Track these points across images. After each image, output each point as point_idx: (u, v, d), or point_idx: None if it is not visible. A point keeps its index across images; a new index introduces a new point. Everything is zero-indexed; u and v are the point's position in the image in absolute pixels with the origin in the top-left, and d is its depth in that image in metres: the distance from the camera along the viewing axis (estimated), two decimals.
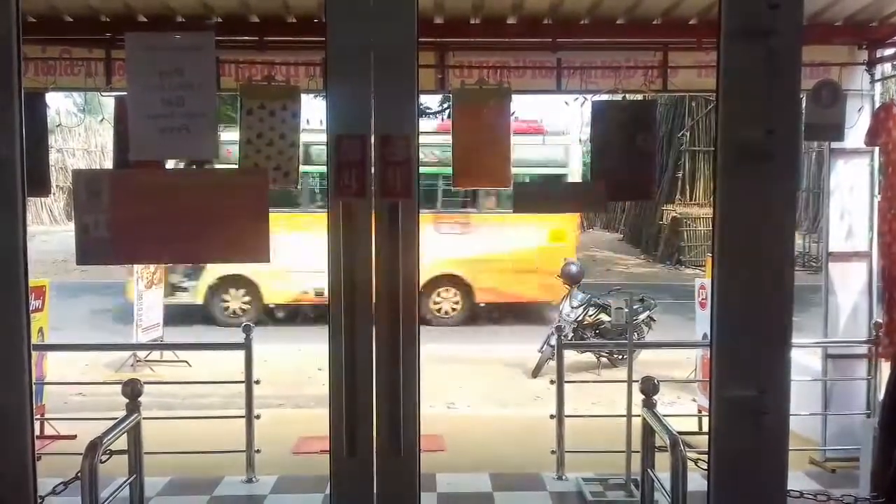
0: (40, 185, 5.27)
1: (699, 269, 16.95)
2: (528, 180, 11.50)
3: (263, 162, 5.06)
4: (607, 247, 24.87)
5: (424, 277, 12.34)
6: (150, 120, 2.62)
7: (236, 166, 5.29)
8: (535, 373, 9.29)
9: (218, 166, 6.28)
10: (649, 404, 4.13)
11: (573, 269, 10.75)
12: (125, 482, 3.85)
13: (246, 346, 5.46)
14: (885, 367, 5.35)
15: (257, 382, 5.49)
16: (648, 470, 4.08)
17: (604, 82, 5.64)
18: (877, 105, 5.54)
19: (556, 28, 5.36)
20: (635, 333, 9.25)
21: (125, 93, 4.47)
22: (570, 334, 9.67)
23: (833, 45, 5.48)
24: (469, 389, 8.73)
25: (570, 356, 9.16)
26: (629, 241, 25.36)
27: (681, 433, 3.68)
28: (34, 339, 5.83)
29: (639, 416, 4.21)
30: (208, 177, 3.51)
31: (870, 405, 5.63)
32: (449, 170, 5.33)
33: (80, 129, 27.29)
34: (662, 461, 3.74)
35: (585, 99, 5.58)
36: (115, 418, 3.78)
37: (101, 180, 2.62)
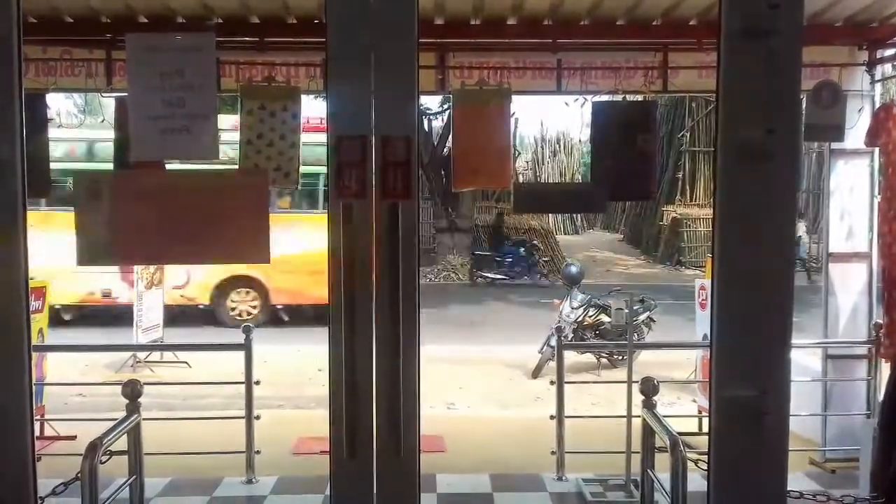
0: (41, 187, 5.27)
1: (699, 270, 16.95)
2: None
3: (263, 162, 5.06)
4: (607, 247, 24.91)
5: (217, 278, 12.35)
6: (151, 121, 2.62)
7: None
8: (536, 373, 9.29)
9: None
10: (649, 405, 4.13)
11: (573, 269, 10.76)
12: (125, 483, 3.85)
13: (246, 347, 5.46)
14: (885, 368, 5.35)
15: (257, 383, 5.50)
16: (648, 470, 4.07)
17: (604, 83, 5.64)
18: (877, 106, 5.54)
19: (556, 29, 5.35)
20: (635, 334, 9.24)
21: (126, 94, 4.47)
22: (570, 335, 9.67)
23: (833, 46, 5.47)
24: (469, 390, 8.73)
25: (571, 357, 9.16)
26: (629, 241, 25.40)
27: (681, 434, 3.68)
28: (34, 340, 5.83)
29: (639, 416, 4.21)
30: (208, 178, 3.51)
31: (870, 406, 5.63)
32: None
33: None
34: (662, 462, 3.74)
35: (586, 100, 5.58)
36: (115, 419, 3.78)
37: (102, 181, 2.62)
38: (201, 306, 12.49)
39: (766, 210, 2.28)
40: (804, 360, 6.10)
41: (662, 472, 3.77)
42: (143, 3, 5.01)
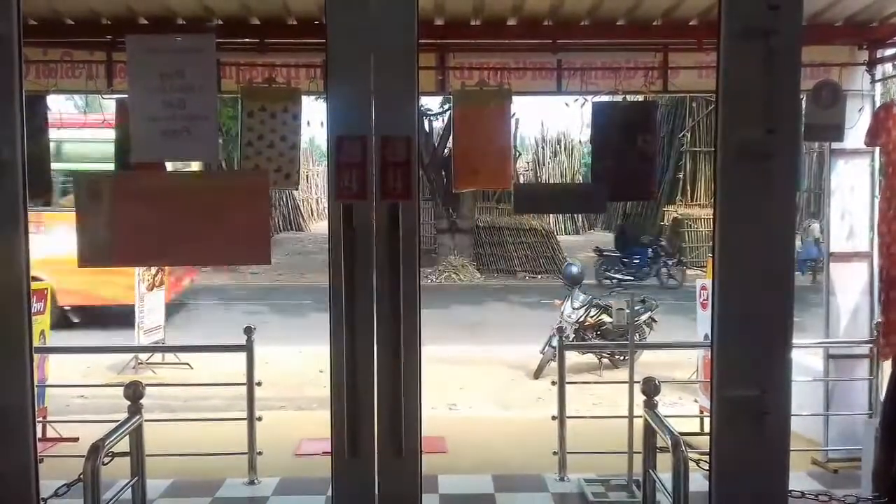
0: (41, 188, 5.27)
1: (700, 270, 16.94)
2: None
3: (264, 164, 5.07)
4: (608, 248, 24.84)
5: None
6: (152, 122, 2.62)
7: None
8: (537, 374, 9.29)
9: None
10: (651, 405, 4.13)
11: (574, 269, 10.75)
12: (127, 484, 3.85)
13: (247, 349, 5.46)
14: (886, 368, 5.34)
15: (259, 384, 5.50)
16: (650, 471, 4.08)
17: (604, 83, 5.64)
18: (877, 105, 5.53)
19: (556, 29, 5.35)
20: (637, 334, 9.23)
21: (126, 95, 4.47)
22: (572, 335, 9.67)
23: (833, 46, 5.47)
24: (470, 391, 8.73)
25: (572, 357, 9.15)
26: None
27: (682, 434, 3.67)
28: (36, 342, 5.83)
29: (640, 416, 4.21)
30: (209, 179, 3.52)
31: (871, 405, 5.63)
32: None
33: None
34: (664, 462, 3.74)
35: (586, 100, 5.58)
36: (117, 421, 3.79)
37: (102, 183, 2.62)
38: None
39: (766, 210, 2.28)
40: (805, 360, 6.10)
41: (664, 472, 3.77)
42: (144, 5, 5.01)
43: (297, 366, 9.42)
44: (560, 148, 29.55)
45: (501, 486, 5.30)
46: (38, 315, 6.32)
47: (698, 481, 3.27)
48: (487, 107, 5.17)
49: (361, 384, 2.30)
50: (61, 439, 5.95)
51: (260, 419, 5.46)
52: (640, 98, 5.96)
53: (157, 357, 9.53)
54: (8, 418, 2.30)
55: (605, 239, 27.24)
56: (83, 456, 3.35)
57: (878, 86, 5.70)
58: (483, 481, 5.38)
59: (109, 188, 2.57)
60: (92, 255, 2.55)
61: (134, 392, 3.93)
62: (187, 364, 9.36)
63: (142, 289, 9.44)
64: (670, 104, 21.67)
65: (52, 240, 11.05)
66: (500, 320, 13.73)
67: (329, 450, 2.34)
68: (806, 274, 16.51)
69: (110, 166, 5.27)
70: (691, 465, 3.49)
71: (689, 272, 17.70)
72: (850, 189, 5.80)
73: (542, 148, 29.51)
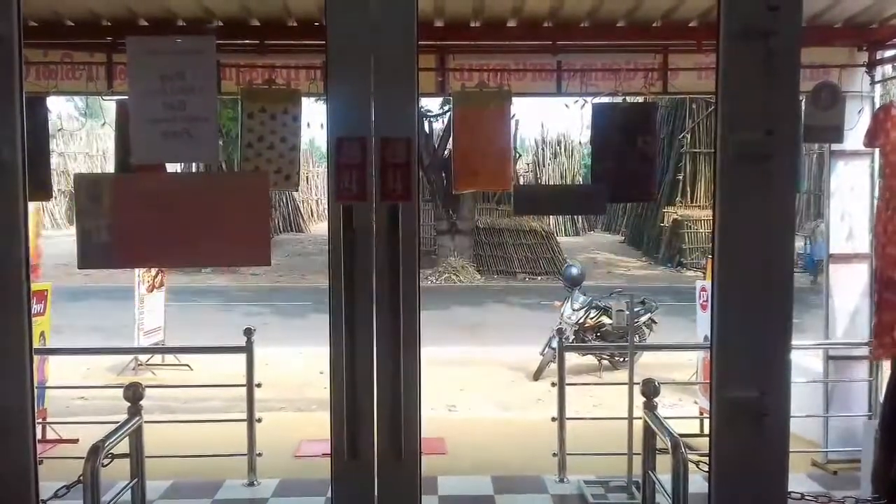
0: (42, 189, 5.27)
1: (700, 271, 16.95)
2: None
3: (264, 165, 5.07)
4: (608, 249, 24.90)
5: None
6: (152, 124, 2.62)
7: None
8: (537, 375, 9.29)
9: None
10: (650, 406, 4.13)
11: (574, 271, 10.75)
12: (127, 486, 3.85)
13: (247, 350, 5.47)
14: (885, 369, 5.34)
15: (258, 386, 5.50)
16: (650, 472, 4.08)
17: (604, 85, 5.65)
18: (877, 107, 5.54)
19: (556, 31, 5.36)
20: (636, 336, 9.23)
21: (126, 96, 4.47)
22: (572, 337, 9.67)
23: (833, 47, 5.48)
24: (470, 392, 8.73)
25: (572, 359, 9.15)
26: (630, 243, 25.38)
27: (682, 435, 3.68)
28: (36, 343, 5.83)
29: (640, 418, 4.21)
30: (209, 180, 3.52)
31: (871, 407, 5.63)
32: None
33: (82, 133, 27.37)
34: (664, 463, 3.74)
35: (586, 101, 5.59)
36: (117, 422, 3.79)
37: (103, 184, 2.62)
38: None
39: (765, 211, 2.28)
40: (805, 362, 6.10)
41: (664, 473, 3.77)
42: (144, 7, 5.02)
43: (297, 367, 9.42)
44: (560, 149, 29.58)
45: (501, 488, 5.31)
46: (38, 316, 6.32)
47: (698, 483, 3.27)
48: (487, 108, 5.18)
49: (361, 385, 2.30)
50: (61, 441, 5.96)
51: (260, 421, 5.46)
52: (640, 99, 5.97)
53: (157, 358, 9.53)
54: (7, 419, 2.30)
55: (606, 240, 27.31)
56: (83, 457, 3.35)
57: (878, 87, 5.70)
58: (482, 483, 5.39)
59: (109, 189, 2.57)
60: (92, 256, 2.55)
61: (134, 393, 3.93)
62: (187, 365, 9.37)
63: (141, 290, 9.43)
64: (670, 105, 21.68)
65: None
66: (500, 322, 13.74)
67: (329, 451, 2.34)
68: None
69: None
70: (691, 466, 3.49)
71: (688, 273, 17.70)
72: (849, 190, 5.81)
73: (542, 149, 29.54)
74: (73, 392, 7.77)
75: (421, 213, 2.44)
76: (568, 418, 5.53)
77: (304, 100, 5.42)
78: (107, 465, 3.47)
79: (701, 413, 6.60)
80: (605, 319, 9.86)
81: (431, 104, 19.00)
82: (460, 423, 7.43)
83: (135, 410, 3.90)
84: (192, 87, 2.60)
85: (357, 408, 2.29)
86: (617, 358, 9.49)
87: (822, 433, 5.85)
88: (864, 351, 5.72)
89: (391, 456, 2.31)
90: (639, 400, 4.34)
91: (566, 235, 27.35)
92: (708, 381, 3.21)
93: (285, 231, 27.02)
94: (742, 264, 2.31)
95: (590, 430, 5.90)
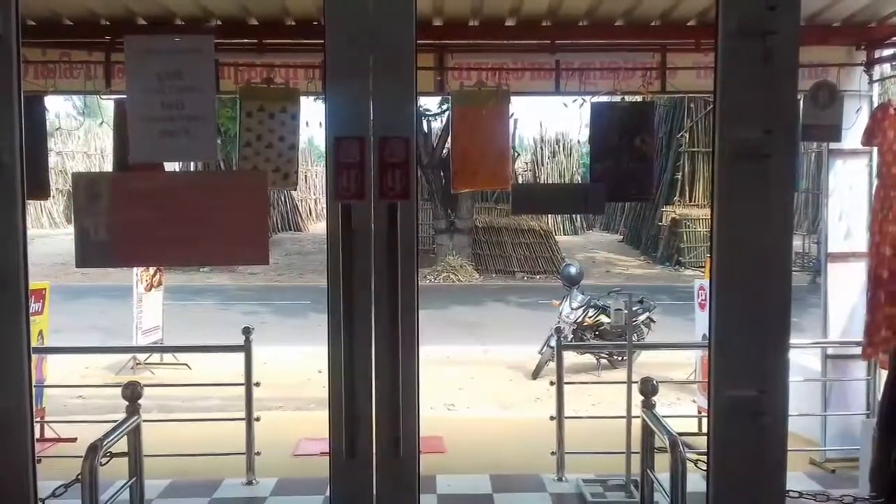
0: (40, 189, 5.28)
1: (699, 271, 16.96)
2: None
3: (262, 164, 5.07)
4: (607, 248, 24.90)
5: None
6: (150, 123, 2.62)
7: None
8: (535, 374, 9.29)
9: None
10: (649, 405, 4.13)
11: (572, 270, 10.76)
12: (125, 484, 3.85)
13: (245, 349, 5.46)
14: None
15: (257, 385, 5.50)
16: (648, 471, 4.08)
17: (602, 84, 5.65)
18: (875, 106, 5.54)
19: (554, 30, 5.36)
20: (635, 335, 9.25)
21: (125, 95, 4.47)
22: (570, 336, 9.68)
23: (831, 46, 5.48)
24: (469, 391, 8.73)
25: (570, 357, 9.17)
26: (628, 242, 25.39)
27: (680, 434, 3.68)
28: (34, 342, 5.83)
29: (638, 417, 4.21)
30: (208, 179, 3.52)
31: (869, 405, 5.64)
32: None
33: (80, 132, 27.35)
34: (662, 462, 3.75)
35: (584, 100, 5.59)
36: (115, 421, 3.79)
37: (101, 183, 2.62)
38: None
39: (764, 210, 2.29)
40: (803, 360, 6.11)
41: (662, 472, 3.78)
42: (142, 6, 5.01)
43: (296, 366, 9.42)
44: (558, 148, 29.56)
45: (499, 487, 5.31)
46: (36, 315, 6.32)
47: (696, 481, 3.28)
48: (486, 107, 5.18)
49: (360, 384, 2.30)
50: (59, 439, 5.95)
51: (258, 419, 5.46)
52: (639, 98, 5.97)
53: (156, 357, 9.53)
54: (6, 418, 2.30)
55: (604, 239, 27.31)
56: (81, 456, 3.35)
57: (876, 86, 5.71)
58: (481, 481, 5.39)
59: (108, 188, 2.57)
60: (90, 255, 2.55)
61: (132, 392, 3.93)
62: (185, 364, 9.37)
63: (140, 289, 9.43)
64: (668, 104, 21.68)
65: None
66: (499, 320, 13.74)
67: (327, 450, 2.34)
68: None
69: None
70: (689, 465, 3.50)
71: (687, 272, 17.71)
72: (847, 189, 5.81)
73: (541, 148, 29.52)
74: (72, 391, 7.77)
75: (419, 212, 2.44)
76: (566, 417, 5.54)
77: (303, 99, 5.42)
78: (105, 463, 3.47)
79: (699, 412, 6.61)
80: (604, 318, 9.87)
81: (430, 103, 19.00)
82: (459, 421, 7.43)
83: (133, 409, 3.90)
84: (190, 86, 2.60)
85: (356, 406, 2.29)
86: (615, 357, 9.50)
87: (821, 432, 5.86)
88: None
89: (390, 454, 2.31)
90: (637, 399, 4.34)
91: (565, 234, 27.34)
92: (706, 379, 3.22)
93: (284, 230, 27.01)
94: (740, 263, 2.31)
95: (588, 428, 5.90)
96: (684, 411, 7.25)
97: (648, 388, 4.19)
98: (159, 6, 4.97)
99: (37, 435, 4.02)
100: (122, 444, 3.77)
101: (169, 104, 2.59)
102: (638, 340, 9.43)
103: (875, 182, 5.31)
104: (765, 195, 2.27)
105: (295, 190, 23.81)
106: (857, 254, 5.72)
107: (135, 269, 9.14)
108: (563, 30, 5.37)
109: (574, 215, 27.78)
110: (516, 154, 23.84)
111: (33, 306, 6.10)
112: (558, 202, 5.84)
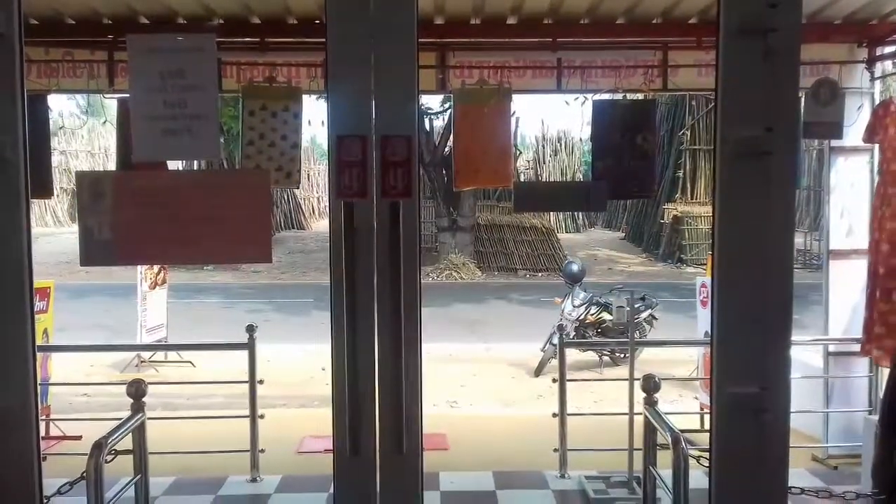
0: (43, 187, 5.29)
1: (701, 268, 16.95)
2: None
3: (265, 163, 5.08)
4: (608, 245, 24.89)
5: None
6: (152, 121, 2.62)
7: None
8: (538, 371, 9.30)
9: None
10: (651, 402, 4.14)
11: (574, 267, 10.76)
12: (130, 482, 3.86)
13: (249, 347, 5.48)
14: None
15: (261, 382, 5.51)
16: (650, 467, 4.09)
17: (604, 82, 5.65)
18: (876, 103, 5.54)
19: (556, 28, 5.36)
20: (637, 332, 9.24)
21: (128, 94, 4.48)
22: (572, 333, 9.68)
23: (833, 44, 5.48)
24: (471, 388, 8.74)
25: (573, 355, 9.17)
26: (630, 239, 25.37)
27: (682, 431, 3.68)
28: (39, 341, 5.84)
29: (641, 414, 4.22)
30: (210, 178, 3.53)
31: (871, 402, 5.64)
32: None
33: (84, 131, 27.37)
34: (664, 459, 3.75)
35: (586, 98, 5.59)
36: (120, 419, 3.80)
37: (105, 182, 2.63)
38: None
39: (765, 207, 2.29)
40: (805, 357, 6.11)
41: (664, 468, 3.78)
42: (145, 5, 5.02)
43: (299, 364, 9.44)
44: (560, 146, 29.52)
45: (502, 483, 5.32)
46: (41, 314, 6.33)
47: (698, 478, 3.28)
48: (488, 105, 5.19)
49: (363, 382, 2.31)
50: (64, 437, 5.97)
51: (262, 417, 5.48)
52: (640, 96, 5.97)
53: (160, 355, 9.55)
54: (11, 416, 2.31)
55: (606, 237, 27.29)
56: (86, 454, 3.36)
57: (878, 83, 5.70)
58: (484, 478, 5.40)
59: (111, 187, 2.58)
60: (94, 254, 2.56)
61: (136, 390, 3.94)
62: (190, 362, 9.39)
63: (144, 287, 9.45)
64: (670, 102, 21.66)
65: None
66: (501, 318, 13.76)
67: (331, 447, 2.35)
68: None
69: None
70: (691, 461, 3.50)
71: (689, 269, 17.70)
72: (849, 186, 5.81)
73: (543, 146, 29.48)
74: (76, 389, 7.80)
75: (422, 211, 2.45)
76: (569, 414, 5.54)
77: (305, 97, 5.42)
78: (110, 461, 3.47)
79: (701, 409, 6.62)
80: (606, 316, 9.88)
81: (432, 101, 19.00)
82: (462, 419, 7.44)
83: (138, 407, 3.91)
84: (192, 85, 2.61)
85: (359, 404, 2.30)
86: (617, 354, 9.51)
87: (823, 428, 5.86)
88: None
89: (393, 452, 2.32)
90: (639, 396, 4.35)
91: (567, 232, 27.33)
92: (708, 376, 3.22)
93: (286, 228, 27.03)
94: (742, 261, 2.32)
95: (591, 425, 5.91)
96: (686, 408, 7.26)
97: (651, 385, 4.20)
98: (162, 5, 4.98)
99: (42, 433, 4.05)
100: (126, 442, 3.78)
101: (171, 103, 2.60)
102: (640, 338, 9.42)
103: (876, 179, 5.32)
104: (766, 192, 2.28)
105: (297, 188, 23.82)
106: (858, 251, 5.72)
107: (139, 267, 9.17)
108: (565, 28, 5.37)
109: (576, 213, 27.77)
110: (518, 152, 23.78)
111: (38, 305, 6.12)
112: (560, 200, 5.85)
